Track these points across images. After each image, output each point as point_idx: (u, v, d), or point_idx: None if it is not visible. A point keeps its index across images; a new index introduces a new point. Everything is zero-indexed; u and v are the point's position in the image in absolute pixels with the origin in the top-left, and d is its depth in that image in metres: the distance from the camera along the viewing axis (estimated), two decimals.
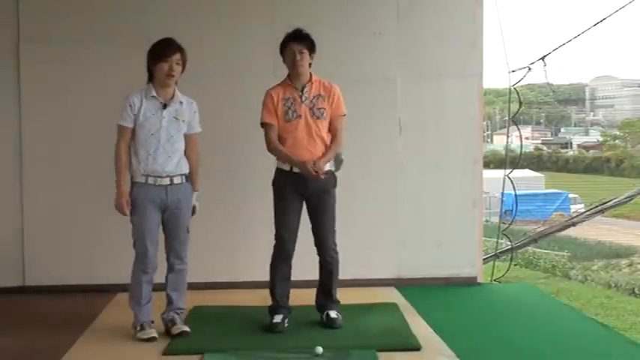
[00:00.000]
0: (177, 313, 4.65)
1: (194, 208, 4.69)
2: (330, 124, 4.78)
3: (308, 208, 4.81)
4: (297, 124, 4.71)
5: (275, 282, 4.80)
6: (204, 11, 5.90)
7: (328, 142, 4.77)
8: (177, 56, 4.49)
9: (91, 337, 4.67)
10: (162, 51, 4.48)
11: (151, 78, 4.55)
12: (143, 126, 4.47)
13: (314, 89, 4.77)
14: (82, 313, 5.09)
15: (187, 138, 4.61)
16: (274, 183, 4.83)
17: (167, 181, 4.52)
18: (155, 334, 4.51)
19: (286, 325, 4.75)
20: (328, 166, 4.79)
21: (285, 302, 4.82)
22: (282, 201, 4.76)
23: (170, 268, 4.64)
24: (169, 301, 4.65)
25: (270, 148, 4.78)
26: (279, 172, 4.82)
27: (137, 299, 4.56)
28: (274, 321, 4.72)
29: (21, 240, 5.84)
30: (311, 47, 4.75)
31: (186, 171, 4.60)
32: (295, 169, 4.70)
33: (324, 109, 4.74)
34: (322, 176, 4.65)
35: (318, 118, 4.73)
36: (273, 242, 4.80)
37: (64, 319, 5.03)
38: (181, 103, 4.58)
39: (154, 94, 4.51)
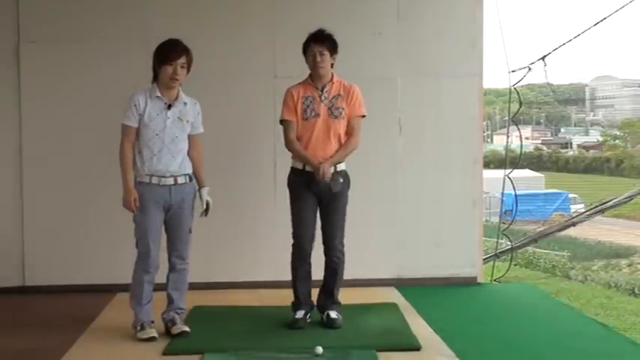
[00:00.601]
0: (178, 313, 4.65)
1: (208, 204, 4.68)
2: (348, 123, 4.80)
3: (320, 206, 4.83)
4: (314, 122, 4.73)
5: (296, 280, 4.84)
6: (204, 11, 5.90)
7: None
8: (182, 60, 4.47)
9: (91, 337, 4.67)
10: (167, 54, 4.46)
11: (156, 78, 4.54)
12: (148, 126, 4.47)
13: (334, 89, 4.78)
14: (82, 313, 5.09)
15: (190, 138, 4.61)
16: (289, 182, 4.86)
17: (171, 181, 4.52)
18: (155, 334, 4.50)
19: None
20: (342, 166, 4.81)
21: (308, 299, 4.87)
22: (298, 200, 4.79)
23: (172, 268, 4.64)
24: (170, 301, 4.65)
25: (289, 147, 4.81)
26: (293, 171, 4.85)
27: (138, 299, 4.56)
28: (296, 317, 4.76)
29: (21, 240, 5.84)
30: (332, 48, 4.75)
31: (190, 171, 4.61)
32: (308, 168, 4.73)
33: (343, 109, 4.76)
34: (327, 179, 4.65)
35: (336, 117, 4.74)
36: (291, 241, 4.83)
37: (64, 319, 5.03)
38: (185, 103, 4.58)
39: (159, 94, 4.50)
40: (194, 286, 4.86)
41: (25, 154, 5.83)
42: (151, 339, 4.47)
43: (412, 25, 6.05)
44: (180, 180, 4.55)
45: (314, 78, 4.80)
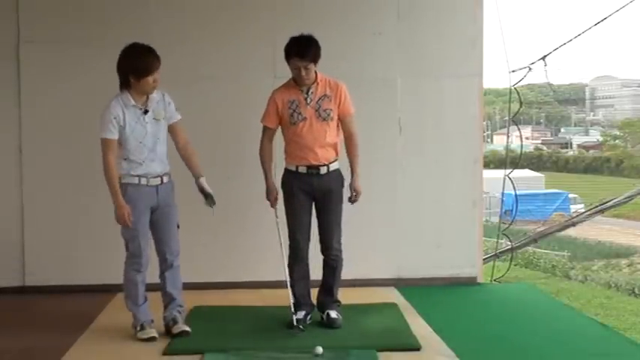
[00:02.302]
0: (179, 312, 4.66)
1: (210, 194, 4.60)
2: (342, 125, 4.78)
3: (315, 206, 4.83)
4: (302, 126, 4.68)
5: (294, 281, 4.82)
6: (204, 12, 5.90)
7: (337, 143, 4.77)
8: (159, 67, 4.45)
9: (91, 337, 4.67)
10: (148, 67, 4.39)
11: (127, 85, 4.47)
12: (131, 136, 4.45)
13: (320, 90, 4.72)
14: (82, 313, 5.10)
15: (171, 128, 4.61)
16: (283, 184, 4.85)
17: (158, 181, 4.55)
18: (155, 334, 4.51)
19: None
20: (335, 165, 4.80)
21: (307, 300, 4.87)
22: (293, 201, 4.78)
23: (169, 266, 4.65)
24: (170, 299, 4.66)
25: (259, 153, 4.82)
26: (286, 172, 4.83)
27: (134, 300, 4.57)
28: (296, 317, 4.73)
29: (21, 240, 5.84)
30: (315, 58, 4.63)
31: (169, 168, 4.61)
32: (301, 169, 4.73)
33: (331, 109, 4.71)
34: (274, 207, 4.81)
35: (324, 119, 4.70)
36: (287, 243, 4.83)
37: (64, 319, 5.03)
38: (157, 102, 4.55)
39: (134, 102, 4.47)
40: (195, 286, 4.87)
41: (25, 154, 5.83)
42: (151, 339, 4.48)
43: (412, 25, 6.04)
44: (165, 179, 4.59)
45: (298, 83, 4.72)
